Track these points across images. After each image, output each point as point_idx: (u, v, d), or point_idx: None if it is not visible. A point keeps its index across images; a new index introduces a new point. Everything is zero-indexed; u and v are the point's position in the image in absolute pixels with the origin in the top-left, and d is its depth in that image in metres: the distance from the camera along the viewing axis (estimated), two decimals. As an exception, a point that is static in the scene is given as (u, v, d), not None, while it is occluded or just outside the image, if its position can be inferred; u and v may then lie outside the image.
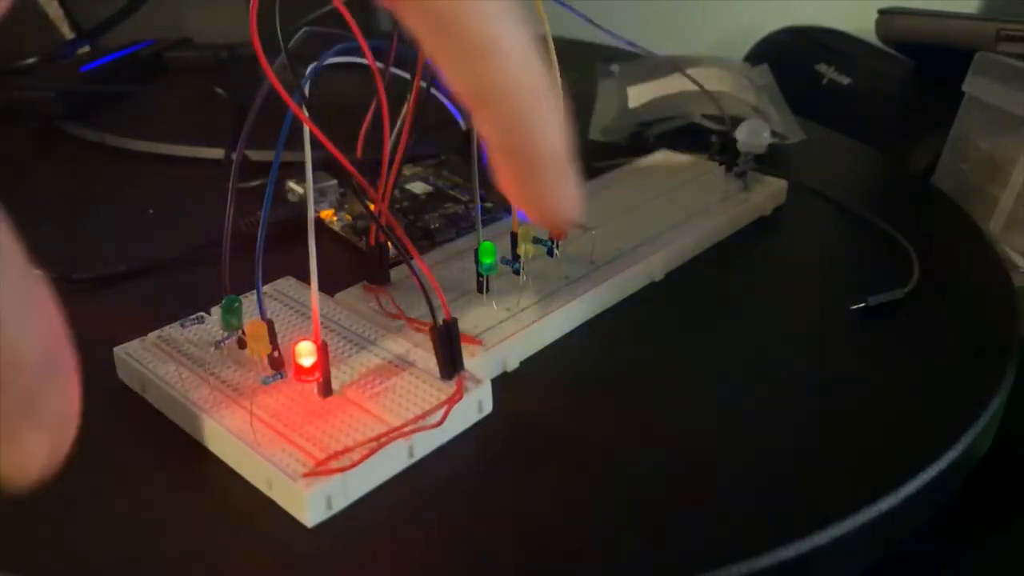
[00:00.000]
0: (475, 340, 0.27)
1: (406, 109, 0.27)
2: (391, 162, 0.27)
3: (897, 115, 0.54)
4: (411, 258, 0.25)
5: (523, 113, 0.15)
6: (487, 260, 0.29)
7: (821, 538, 0.22)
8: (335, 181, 0.38)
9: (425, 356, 0.26)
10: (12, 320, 0.12)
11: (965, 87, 0.45)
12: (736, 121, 0.40)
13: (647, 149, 0.44)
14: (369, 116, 0.29)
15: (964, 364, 0.29)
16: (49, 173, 0.45)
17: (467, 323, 0.28)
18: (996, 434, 0.28)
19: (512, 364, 0.28)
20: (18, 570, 0.20)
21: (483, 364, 0.27)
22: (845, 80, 0.57)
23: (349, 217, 0.37)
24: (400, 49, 0.29)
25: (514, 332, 0.28)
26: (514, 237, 0.30)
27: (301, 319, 0.28)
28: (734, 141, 0.39)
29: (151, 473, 0.23)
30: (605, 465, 0.24)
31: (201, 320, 0.28)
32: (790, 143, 0.45)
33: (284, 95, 0.22)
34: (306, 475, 0.21)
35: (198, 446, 0.24)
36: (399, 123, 0.28)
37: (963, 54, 0.45)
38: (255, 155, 0.37)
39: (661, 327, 0.31)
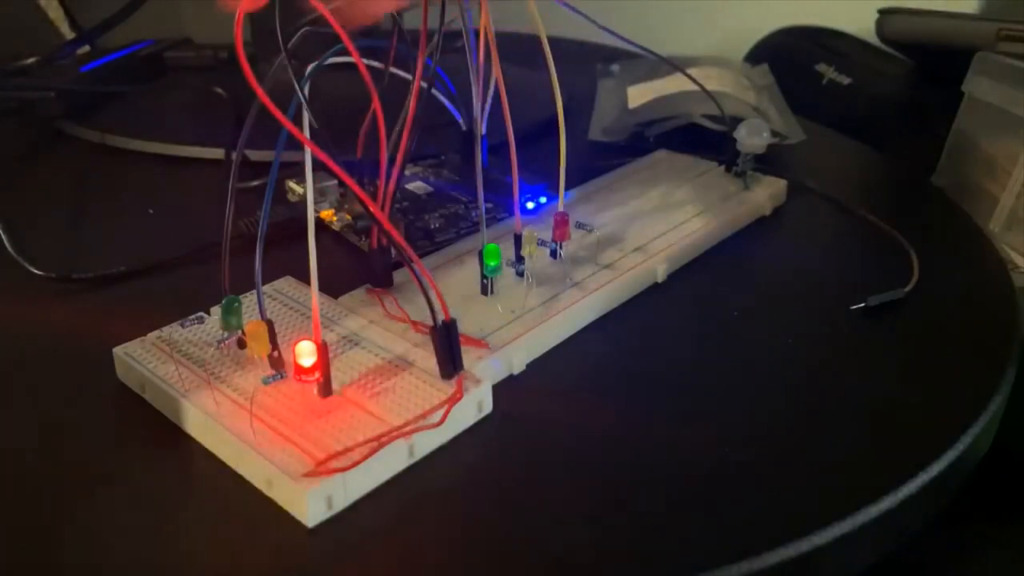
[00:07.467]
0: (481, 343, 0.27)
1: (406, 110, 0.27)
2: (391, 163, 0.27)
3: (897, 115, 0.54)
4: (411, 261, 0.25)
5: None
6: (492, 262, 0.29)
7: (821, 538, 0.22)
8: (335, 181, 0.38)
9: (425, 356, 0.26)
10: None
11: (965, 87, 0.45)
12: (736, 121, 0.40)
13: (647, 149, 0.44)
14: (368, 117, 0.29)
15: (964, 364, 0.29)
16: (49, 173, 0.45)
17: (472, 326, 0.28)
18: (996, 434, 0.28)
19: (519, 367, 0.28)
20: (16, 571, 0.20)
21: (489, 367, 0.27)
22: (845, 80, 0.57)
23: (349, 217, 0.37)
24: (400, 49, 0.29)
25: (520, 334, 0.28)
26: (518, 239, 0.30)
27: (301, 319, 0.28)
28: (734, 141, 0.39)
29: (151, 473, 0.23)
30: (607, 466, 0.24)
31: (201, 320, 0.28)
32: (790, 143, 0.45)
33: (273, 110, 0.22)
34: (306, 475, 0.21)
35: (198, 446, 0.24)
36: (399, 124, 0.28)
37: (963, 54, 0.45)
38: (255, 155, 0.37)
39: (664, 328, 0.31)
